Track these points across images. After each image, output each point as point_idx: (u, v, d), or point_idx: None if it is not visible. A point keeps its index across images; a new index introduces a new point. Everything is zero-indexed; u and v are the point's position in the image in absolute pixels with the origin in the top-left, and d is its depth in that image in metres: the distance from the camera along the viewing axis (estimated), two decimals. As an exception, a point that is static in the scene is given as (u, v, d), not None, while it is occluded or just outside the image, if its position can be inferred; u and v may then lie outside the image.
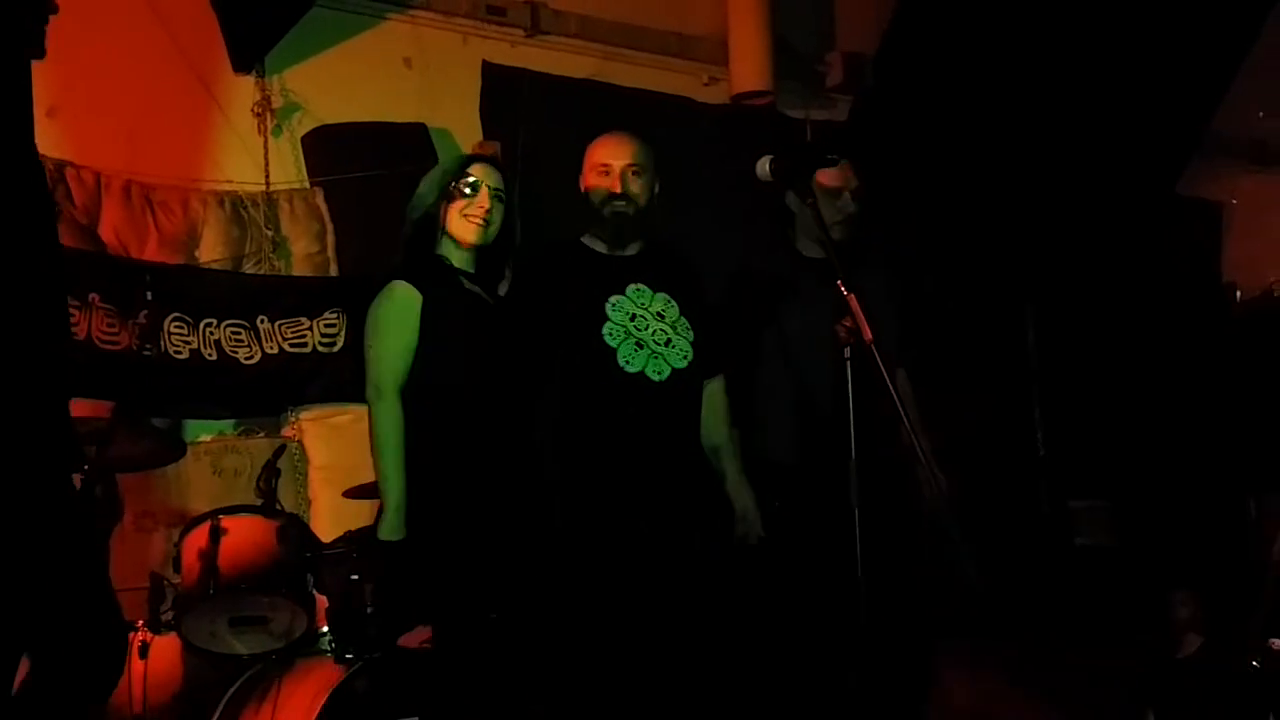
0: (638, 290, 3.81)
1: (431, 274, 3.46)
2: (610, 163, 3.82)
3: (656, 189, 3.91)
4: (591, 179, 3.85)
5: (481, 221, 3.50)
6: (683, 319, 3.84)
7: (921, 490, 3.89)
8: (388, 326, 3.37)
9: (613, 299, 3.77)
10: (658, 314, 3.81)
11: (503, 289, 3.65)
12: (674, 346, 3.78)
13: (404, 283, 3.40)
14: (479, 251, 3.55)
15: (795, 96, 6.71)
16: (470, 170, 3.55)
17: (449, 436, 3.34)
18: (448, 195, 3.52)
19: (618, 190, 3.80)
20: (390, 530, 3.29)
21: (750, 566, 3.83)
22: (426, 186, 3.58)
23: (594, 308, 3.74)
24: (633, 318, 3.76)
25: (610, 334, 3.73)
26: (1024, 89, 6.46)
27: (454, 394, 3.36)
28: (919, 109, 6.43)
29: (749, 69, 6.38)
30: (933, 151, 6.25)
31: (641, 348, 3.74)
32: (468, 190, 3.51)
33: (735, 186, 5.90)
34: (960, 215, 6.39)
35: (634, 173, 3.82)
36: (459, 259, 3.53)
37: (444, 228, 3.52)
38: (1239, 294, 7.94)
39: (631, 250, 3.89)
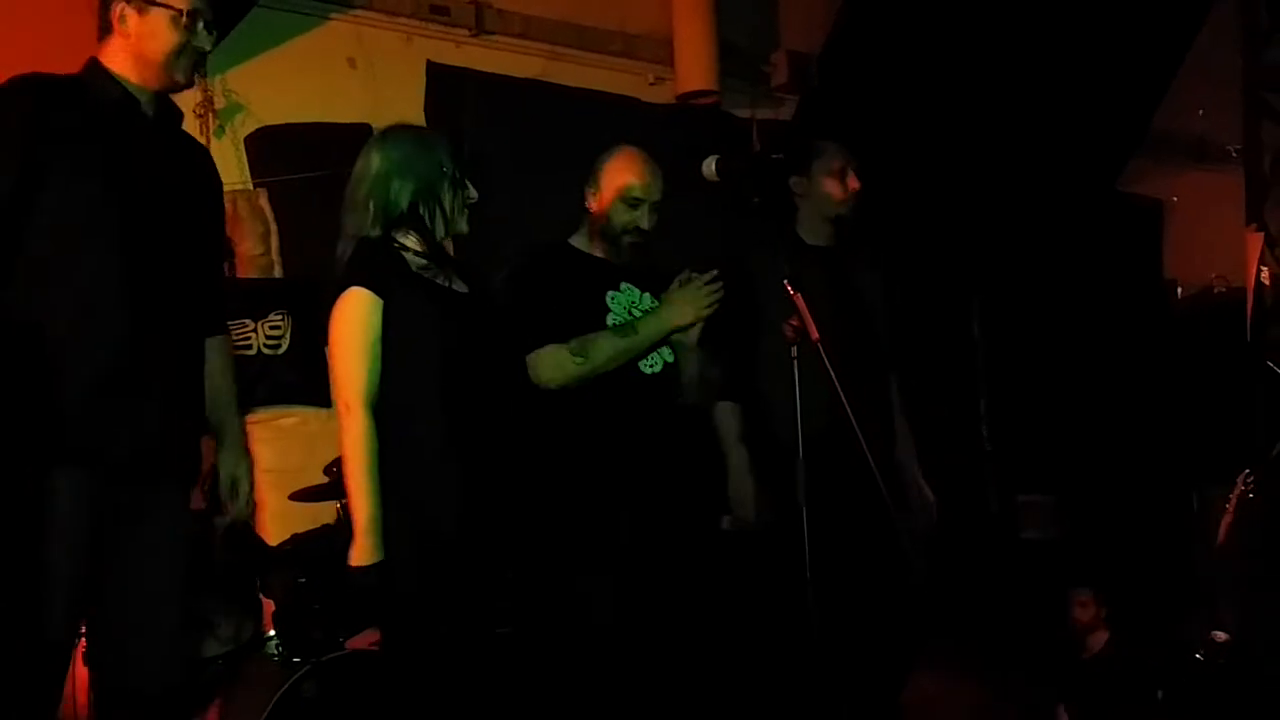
0: (628, 288, 3.84)
1: (392, 272, 3.16)
2: (642, 199, 3.79)
3: None
4: (616, 206, 3.79)
5: (470, 209, 3.30)
6: None
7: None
8: (348, 337, 3.10)
9: (610, 293, 3.81)
10: (645, 311, 3.83)
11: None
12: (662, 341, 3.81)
13: (360, 289, 3.10)
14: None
15: (741, 96, 6.72)
16: (461, 156, 3.30)
17: (423, 448, 3.10)
18: (452, 185, 3.26)
19: (645, 227, 3.80)
20: (364, 554, 3.00)
21: (729, 557, 3.87)
22: (429, 171, 3.23)
23: (596, 301, 3.77)
24: (628, 312, 3.80)
25: (612, 325, 3.77)
26: (968, 86, 6.52)
27: (428, 401, 3.11)
28: (864, 107, 6.47)
29: (694, 69, 6.40)
30: (878, 149, 6.28)
31: None
32: (460, 176, 3.26)
33: (682, 185, 5.94)
34: (905, 211, 6.42)
35: (655, 208, 3.82)
36: (415, 245, 3.24)
37: (448, 219, 3.26)
38: (1180, 290, 8.05)
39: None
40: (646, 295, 3.86)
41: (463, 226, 3.28)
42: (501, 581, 3.21)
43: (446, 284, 3.23)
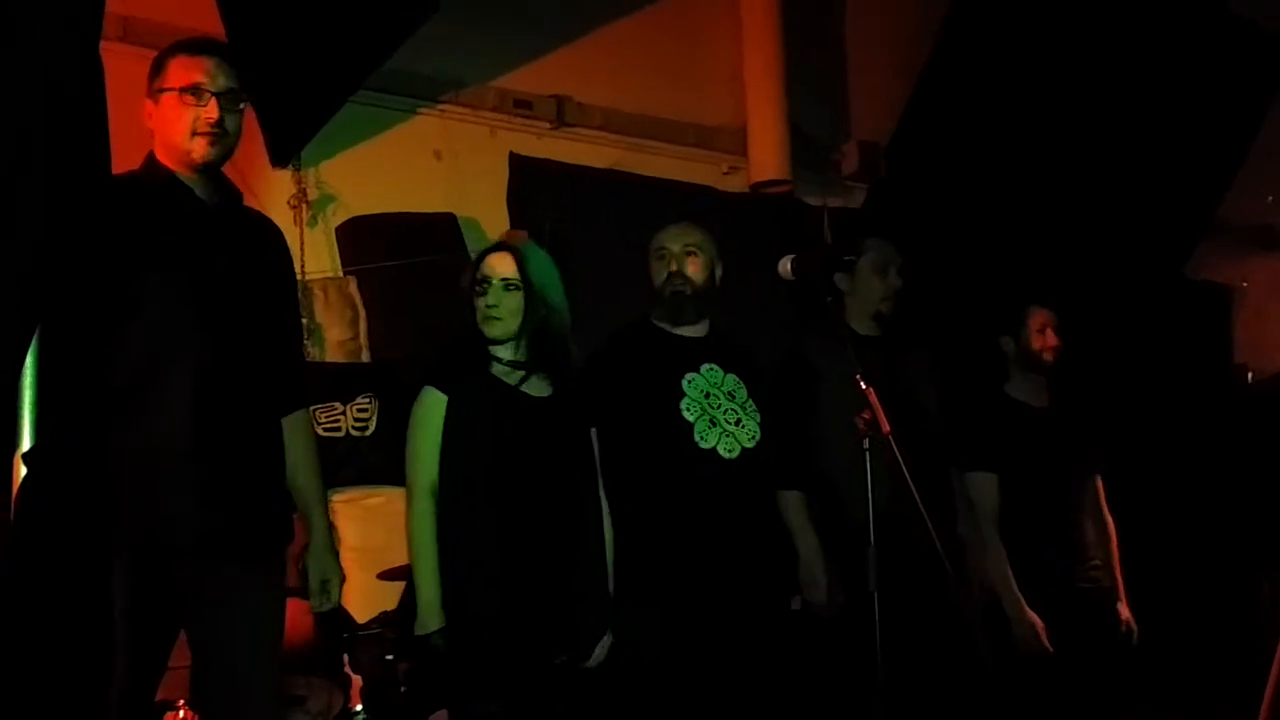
0: (710, 369, 3.97)
1: (464, 370, 3.49)
2: (668, 246, 4.02)
3: (719, 272, 4.09)
4: (654, 267, 4.04)
5: (496, 317, 3.48)
6: (750, 401, 4.00)
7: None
8: (415, 430, 3.45)
9: (689, 376, 3.92)
10: (729, 394, 3.96)
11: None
12: (743, 426, 3.92)
13: (430, 387, 3.46)
14: (529, 339, 3.51)
15: (812, 185, 6.86)
16: (482, 265, 3.55)
17: (477, 531, 3.36)
18: (472, 288, 3.54)
19: (675, 269, 3.98)
20: (427, 623, 3.34)
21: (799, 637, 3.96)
22: (467, 287, 3.57)
23: (671, 384, 3.90)
24: (706, 395, 3.91)
25: (687, 409, 3.88)
26: (1034, 174, 6.60)
27: (474, 489, 3.38)
28: (933, 194, 6.58)
29: (767, 159, 6.56)
30: (947, 236, 6.38)
31: (714, 425, 3.89)
32: (480, 287, 3.52)
33: (755, 272, 6.06)
34: (975, 299, 6.50)
35: (689, 254, 4.00)
36: (503, 351, 3.53)
37: (475, 326, 3.55)
38: (1250, 375, 8.04)
39: (700, 331, 4.05)
40: (730, 376, 3.98)
41: (489, 332, 3.50)
42: (551, 668, 3.42)
43: (516, 385, 3.48)
